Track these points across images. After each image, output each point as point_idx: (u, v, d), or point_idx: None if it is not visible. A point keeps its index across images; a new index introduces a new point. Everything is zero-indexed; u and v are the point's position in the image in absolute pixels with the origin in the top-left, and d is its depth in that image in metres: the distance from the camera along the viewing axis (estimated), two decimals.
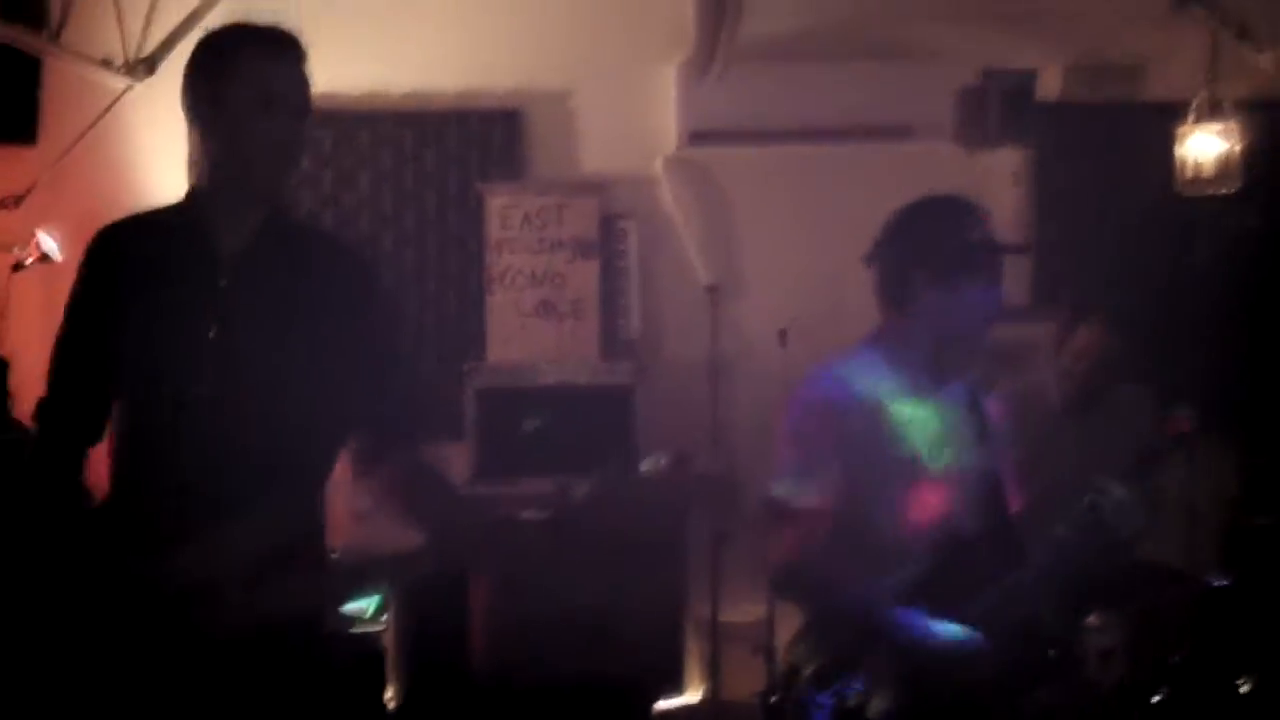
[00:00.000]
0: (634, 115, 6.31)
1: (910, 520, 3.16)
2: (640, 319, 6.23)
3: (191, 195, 2.76)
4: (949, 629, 3.06)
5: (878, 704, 3.03)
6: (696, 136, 6.23)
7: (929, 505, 3.18)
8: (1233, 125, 5.64)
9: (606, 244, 6.16)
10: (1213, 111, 5.66)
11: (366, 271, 2.85)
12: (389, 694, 5.48)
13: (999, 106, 6.02)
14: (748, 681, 5.63)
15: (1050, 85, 6.30)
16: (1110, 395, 4.81)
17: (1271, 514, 5.09)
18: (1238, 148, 5.63)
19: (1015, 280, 5.06)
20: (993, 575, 3.11)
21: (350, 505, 3.03)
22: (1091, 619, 4.23)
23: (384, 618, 5.34)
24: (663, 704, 5.77)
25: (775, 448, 3.25)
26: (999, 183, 6.27)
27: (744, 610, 5.80)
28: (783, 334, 5.82)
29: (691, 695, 5.97)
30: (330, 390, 2.71)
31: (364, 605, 5.26)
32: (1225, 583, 4.87)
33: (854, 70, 6.17)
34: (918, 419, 3.21)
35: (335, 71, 5.91)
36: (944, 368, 3.27)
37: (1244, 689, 4.62)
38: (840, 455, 3.14)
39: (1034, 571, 3.12)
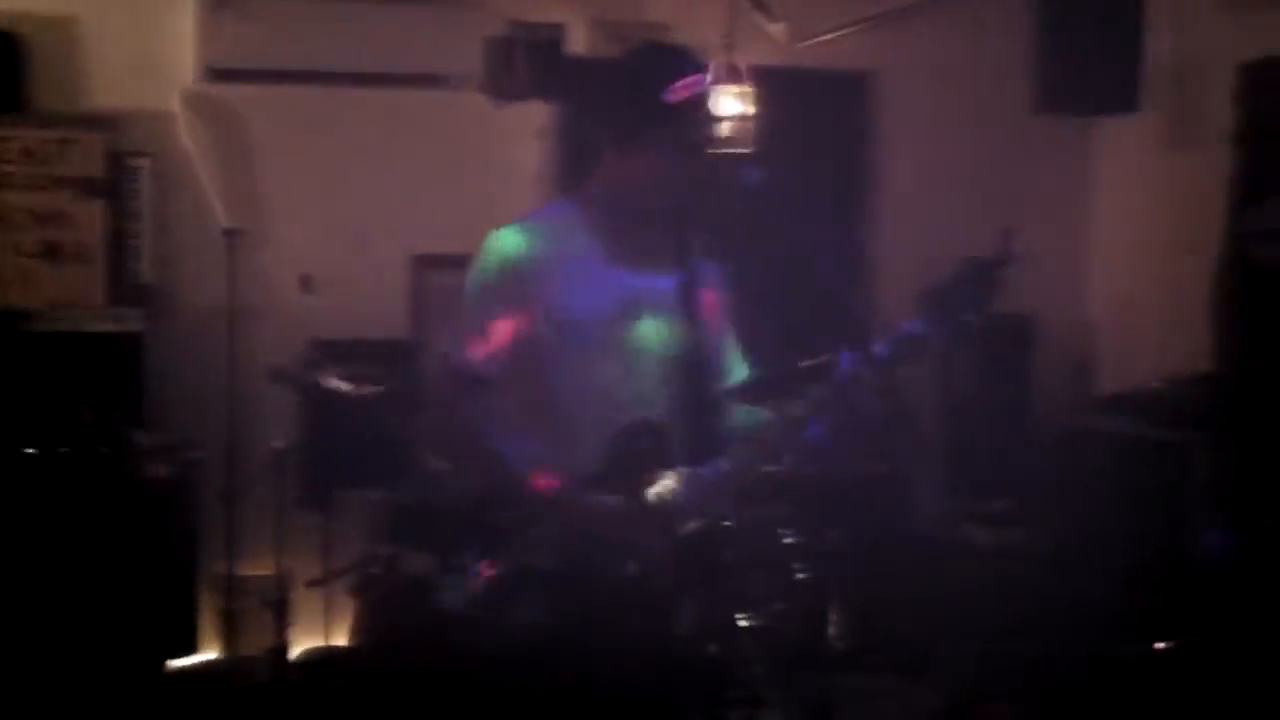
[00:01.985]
0: (148, 47, 5.94)
1: (586, 394, 2.95)
2: (153, 263, 5.91)
3: None
4: (609, 500, 2.87)
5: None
6: (216, 72, 5.94)
7: (608, 382, 2.97)
8: (748, 89, 5.85)
9: (116, 183, 5.80)
10: (730, 75, 5.84)
11: None
12: None
13: (526, 59, 6.01)
14: (260, 637, 5.50)
15: (578, 40, 6.36)
16: None
17: None
18: (752, 111, 5.84)
19: None
20: (676, 465, 2.93)
21: None
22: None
23: None
24: (175, 663, 5.54)
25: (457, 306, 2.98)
26: (524, 136, 6.31)
27: (256, 564, 5.64)
28: (304, 280, 5.69)
29: (205, 653, 5.76)
30: None
31: None
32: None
33: (383, 14, 6.04)
34: (606, 290, 2.97)
35: None
36: (641, 241, 3.02)
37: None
38: (517, 317, 2.89)
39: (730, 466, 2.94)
